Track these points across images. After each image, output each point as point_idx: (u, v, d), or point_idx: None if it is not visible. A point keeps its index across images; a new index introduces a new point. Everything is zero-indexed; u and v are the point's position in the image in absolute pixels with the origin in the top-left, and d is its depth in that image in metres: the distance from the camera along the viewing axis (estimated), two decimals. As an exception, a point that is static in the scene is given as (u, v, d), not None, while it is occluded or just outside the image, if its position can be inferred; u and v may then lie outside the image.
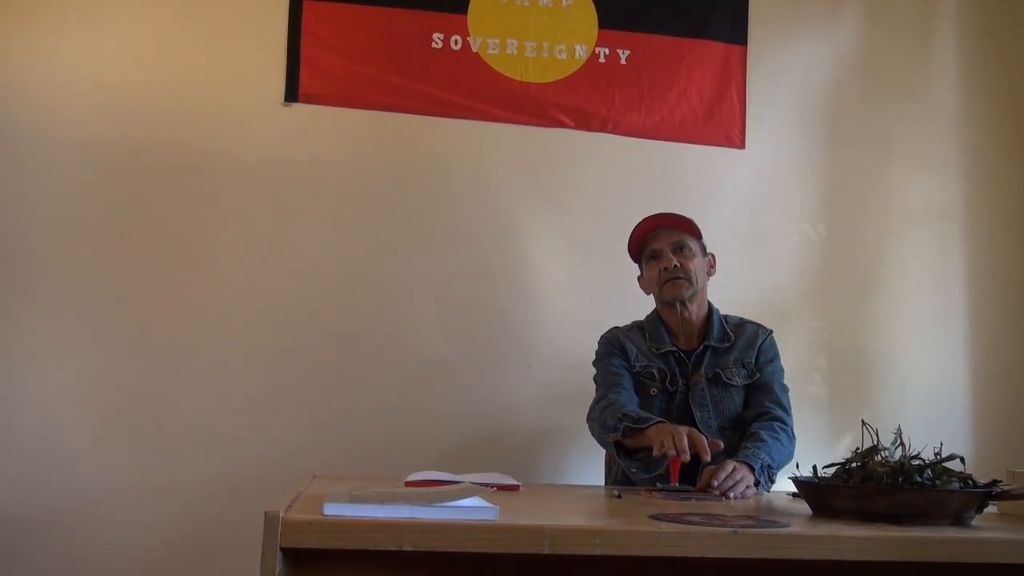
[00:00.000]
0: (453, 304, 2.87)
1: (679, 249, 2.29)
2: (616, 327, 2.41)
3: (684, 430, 1.93)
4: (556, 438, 2.86)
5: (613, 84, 3.01)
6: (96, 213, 2.70)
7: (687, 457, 1.87)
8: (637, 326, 2.39)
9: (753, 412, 2.23)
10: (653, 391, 2.27)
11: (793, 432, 2.21)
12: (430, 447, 2.73)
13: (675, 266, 2.26)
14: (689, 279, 2.27)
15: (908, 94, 3.24)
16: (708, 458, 1.91)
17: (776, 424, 2.17)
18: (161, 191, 2.74)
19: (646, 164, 3.02)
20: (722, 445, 1.98)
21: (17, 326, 2.63)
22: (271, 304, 2.76)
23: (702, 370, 2.26)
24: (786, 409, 2.24)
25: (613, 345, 2.35)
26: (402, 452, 2.68)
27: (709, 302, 2.36)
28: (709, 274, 2.36)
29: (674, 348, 2.30)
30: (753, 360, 2.28)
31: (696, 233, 2.33)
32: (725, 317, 2.36)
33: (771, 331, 2.36)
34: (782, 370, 2.33)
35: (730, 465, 1.94)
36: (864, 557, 1.34)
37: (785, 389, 2.30)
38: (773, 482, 2.08)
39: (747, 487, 1.92)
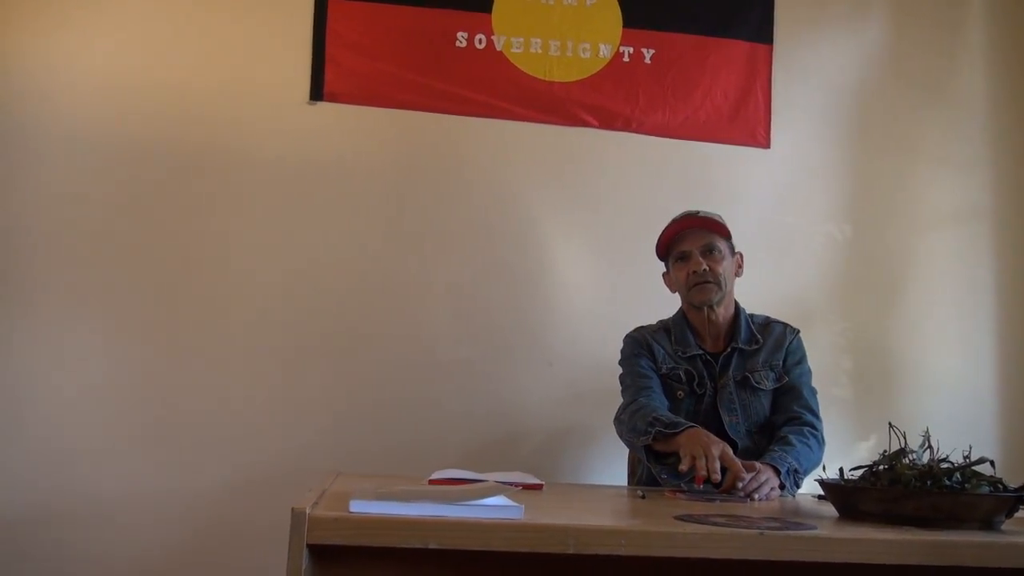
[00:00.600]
0: (475, 303, 2.87)
1: (708, 251, 2.26)
2: (642, 327, 2.39)
3: (717, 448, 1.90)
4: (578, 438, 2.86)
5: (637, 83, 3.00)
6: (119, 213, 2.72)
7: (718, 477, 1.85)
8: (663, 327, 2.36)
9: (783, 417, 2.20)
10: (680, 394, 2.25)
11: (823, 437, 2.19)
12: (451, 447, 2.74)
13: (704, 270, 2.23)
14: (718, 283, 2.24)
15: (936, 92, 3.21)
16: (744, 480, 1.88)
17: (806, 429, 2.15)
18: (186, 191, 2.76)
19: (670, 163, 3.01)
20: (758, 466, 1.95)
21: (27, 326, 2.64)
22: (291, 303, 2.77)
23: (730, 373, 2.24)
24: (815, 413, 2.22)
25: (640, 345, 2.33)
26: (423, 452, 2.69)
27: (736, 302, 2.34)
28: (737, 274, 2.34)
29: (700, 351, 2.28)
30: (781, 363, 2.26)
31: (726, 234, 2.29)
32: (751, 316, 2.33)
33: (798, 331, 2.33)
34: (810, 372, 2.30)
35: (756, 466, 1.93)
36: (891, 560, 1.33)
37: (814, 392, 2.27)
38: (799, 487, 2.06)
39: (772, 489, 1.91)
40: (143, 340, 2.70)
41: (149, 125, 2.75)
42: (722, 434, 2.14)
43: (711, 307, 2.25)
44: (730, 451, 1.92)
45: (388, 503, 1.28)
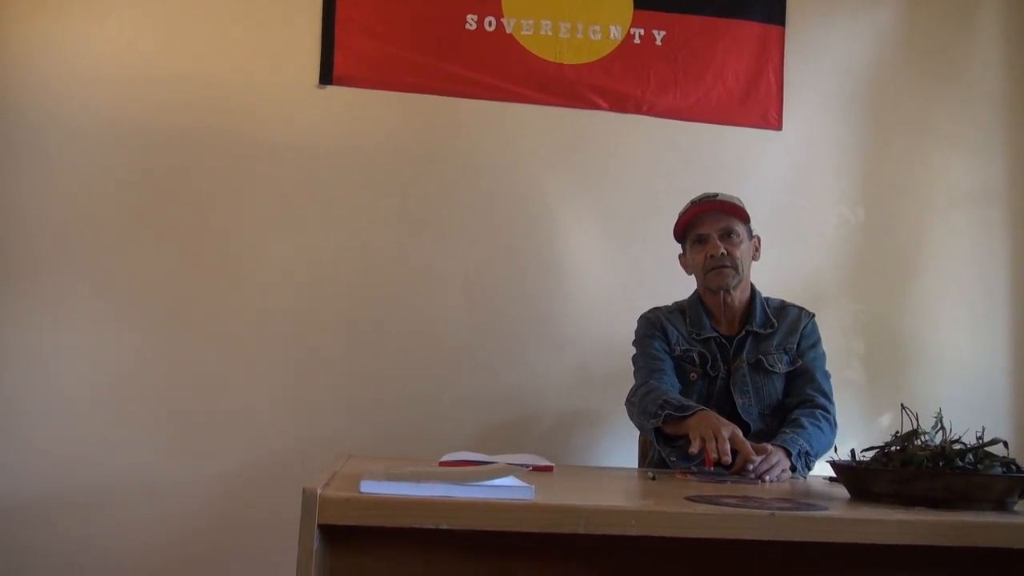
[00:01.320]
0: (487, 286, 2.87)
1: (727, 235, 2.24)
2: (657, 308, 2.38)
3: (727, 430, 1.90)
4: (589, 420, 2.86)
5: (648, 65, 2.98)
6: (127, 201, 2.73)
7: (728, 459, 1.85)
8: (679, 308, 2.35)
9: (795, 400, 2.20)
10: (693, 376, 2.25)
11: (835, 420, 2.18)
12: (462, 430, 2.75)
13: (722, 254, 2.22)
14: (735, 267, 2.23)
15: (949, 73, 3.18)
16: (755, 462, 1.88)
17: (819, 412, 2.14)
18: (194, 177, 2.76)
19: (681, 146, 2.99)
20: (769, 447, 1.94)
21: (34, 315, 2.65)
22: (301, 288, 2.78)
23: (744, 355, 2.23)
24: (828, 397, 2.21)
25: (654, 326, 2.32)
26: (434, 435, 2.70)
27: (752, 285, 2.32)
28: (754, 258, 2.32)
29: (715, 333, 2.27)
30: (795, 346, 2.25)
31: (745, 217, 2.27)
32: (766, 300, 2.33)
33: (813, 315, 2.32)
34: (824, 356, 2.29)
35: (767, 448, 1.93)
36: (903, 541, 1.32)
37: (827, 376, 2.27)
38: (810, 469, 2.06)
39: (783, 471, 1.91)
40: (152, 329, 2.71)
41: (157, 112, 2.75)
42: (735, 416, 2.14)
43: (727, 291, 2.24)
44: (740, 433, 1.92)
45: (399, 484, 1.29)
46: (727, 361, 2.25)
